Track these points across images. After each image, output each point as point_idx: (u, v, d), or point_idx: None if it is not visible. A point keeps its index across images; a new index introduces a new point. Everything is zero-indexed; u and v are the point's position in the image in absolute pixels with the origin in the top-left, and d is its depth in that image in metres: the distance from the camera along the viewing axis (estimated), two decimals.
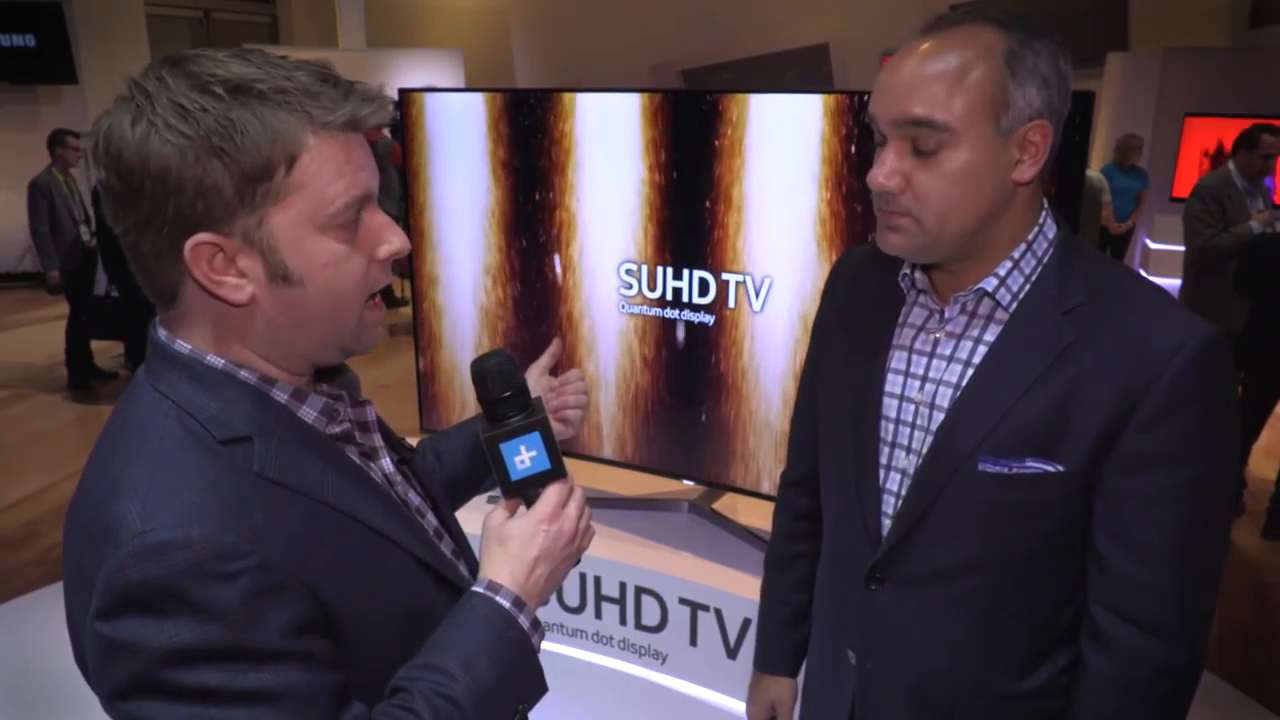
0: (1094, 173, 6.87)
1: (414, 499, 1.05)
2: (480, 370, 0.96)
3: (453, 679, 0.88)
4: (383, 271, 0.92)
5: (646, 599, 2.48)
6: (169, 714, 0.78)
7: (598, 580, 2.54)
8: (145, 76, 0.82)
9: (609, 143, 2.43)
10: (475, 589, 0.96)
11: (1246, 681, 3.06)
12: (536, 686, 0.97)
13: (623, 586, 2.51)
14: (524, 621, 0.95)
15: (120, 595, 0.77)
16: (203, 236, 0.82)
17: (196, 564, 0.77)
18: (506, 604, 0.95)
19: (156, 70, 0.82)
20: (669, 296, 2.48)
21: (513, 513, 1.00)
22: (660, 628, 2.49)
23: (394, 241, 0.91)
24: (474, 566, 1.09)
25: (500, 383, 0.96)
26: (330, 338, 0.91)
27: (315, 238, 0.85)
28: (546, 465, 0.98)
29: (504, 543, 0.98)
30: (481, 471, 1.32)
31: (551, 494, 0.99)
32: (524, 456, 0.97)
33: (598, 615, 2.57)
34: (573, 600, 2.59)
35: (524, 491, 0.99)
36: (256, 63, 0.83)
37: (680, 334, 2.49)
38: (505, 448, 0.96)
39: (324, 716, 0.82)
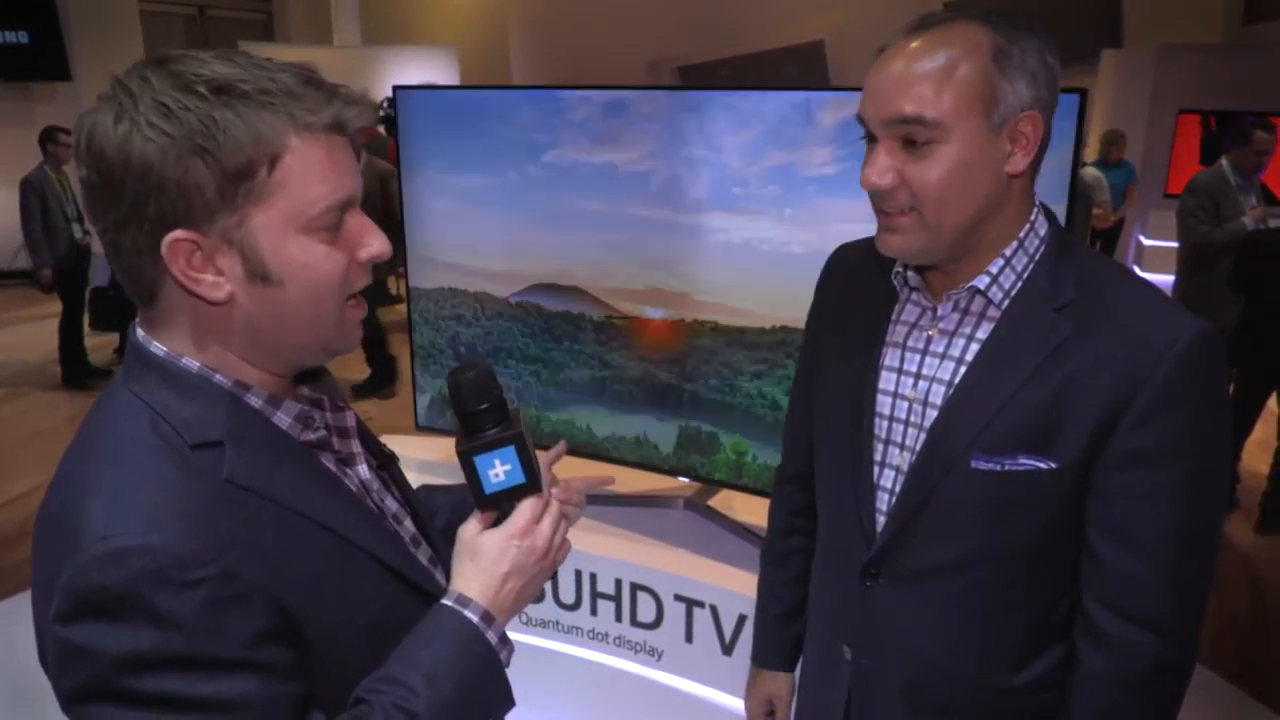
0: (1091, 170, 6.88)
1: (391, 505, 1.04)
2: (456, 383, 0.95)
3: (414, 693, 0.87)
4: (362, 273, 0.91)
5: (642, 595, 2.48)
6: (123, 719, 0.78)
7: (593, 577, 2.54)
8: (129, 75, 0.81)
9: (609, 140, 2.44)
10: (444, 602, 0.95)
11: (1241, 676, 3.07)
12: (503, 702, 0.96)
13: (618, 583, 2.51)
14: (492, 637, 0.94)
15: (79, 599, 0.77)
16: (180, 234, 0.81)
17: (157, 571, 0.76)
18: (475, 618, 0.94)
19: (141, 70, 0.82)
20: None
21: (486, 526, 0.99)
22: (656, 624, 2.49)
23: (374, 245, 0.91)
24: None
25: (476, 395, 0.95)
26: (309, 337, 0.90)
27: (296, 238, 0.85)
28: (521, 479, 0.97)
29: (475, 556, 0.97)
30: None
31: (525, 509, 0.98)
32: (498, 470, 0.95)
33: (593, 612, 2.57)
34: (568, 597, 2.59)
35: (498, 505, 0.98)
36: (241, 64, 0.83)
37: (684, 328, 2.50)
38: (480, 461, 0.95)
39: None
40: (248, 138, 0.80)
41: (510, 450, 0.95)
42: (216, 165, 0.80)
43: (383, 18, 12.95)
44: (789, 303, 2.32)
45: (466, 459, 0.95)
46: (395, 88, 2.72)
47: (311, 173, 0.84)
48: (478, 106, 2.60)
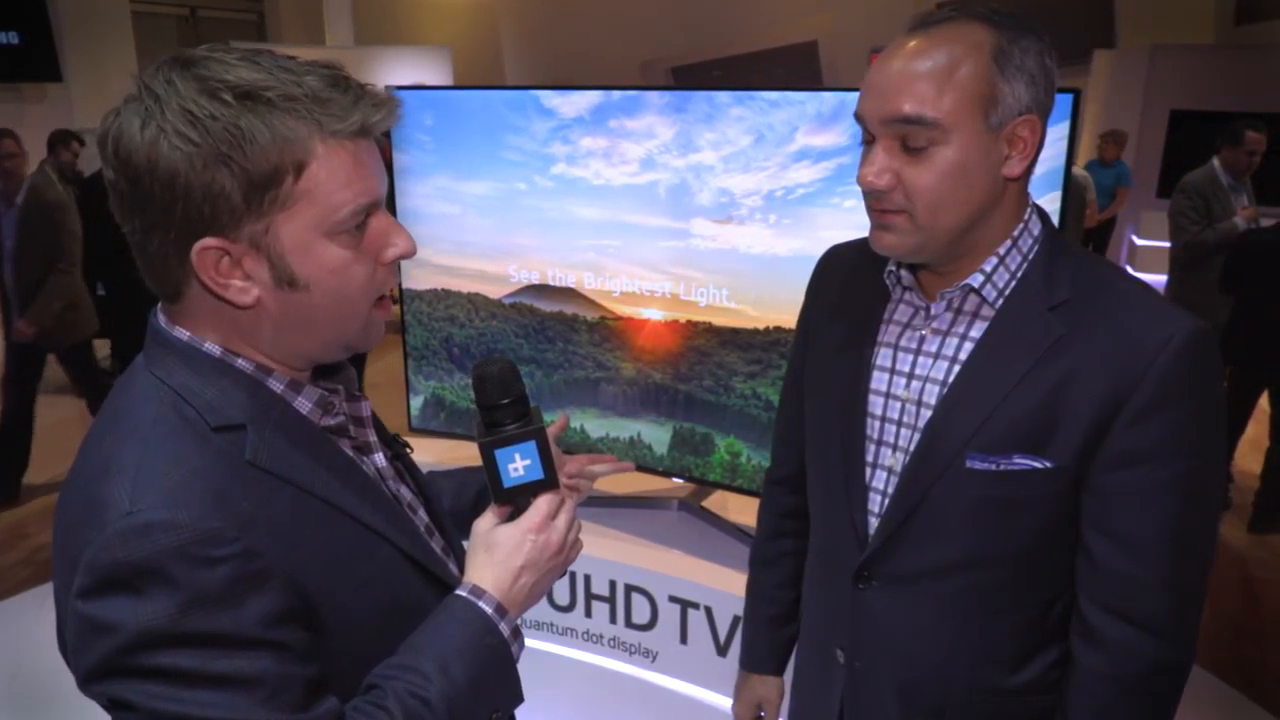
0: (1079, 170, 6.90)
1: (406, 494, 1.05)
2: (481, 375, 0.96)
3: (427, 680, 0.88)
4: (389, 273, 0.93)
5: (636, 597, 2.48)
6: (139, 694, 0.78)
7: (587, 579, 2.54)
8: (154, 78, 0.81)
9: (604, 142, 2.43)
10: (458, 592, 0.96)
11: (1235, 676, 3.08)
12: (512, 695, 0.97)
13: (613, 585, 2.51)
14: (504, 629, 0.95)
15: (103, 574, 0.77)
16: (210, 241, 0.82)
17: (182, 546, 0.77)
18: (488, 610, 0.95)
19: (166, 71, 0.82)
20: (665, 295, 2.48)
21: (502, 519, 1.00)
22: (650, 626, 2.49)
23: (400, 244, 0.91)
24: (464, 565, 1.09)
25: (500, 389, 0.96)
26: (335, 338, 0.92)
27: (322, 244, 0.85)
28: (540, 475, 0.98)
29: (490, 549, 0.98)
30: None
31: (542, 504, 0.99)
32: (518, 465, 0.97)
33: (588, 614, 2.57)
34: (563, 599, 2.59)
35: (515, 499, 0.99)
36: (267, 67, 0.82)
37: (675, 330, 2.50)
38: (500, 455, 0.96)
39: (295, 706, 0.82)
40: (273, 146, 0.81)
41: (531, 446, 0.96)
42: (242, 173, 0.80)
43: (376, 18, 12.92)
44: (783, 303, 2.32)
45: (487, 452, 0.96)
46: (388, 89, 2.71)
47: (337, 178, 0.84)
48: (471, 107, 2.59)
